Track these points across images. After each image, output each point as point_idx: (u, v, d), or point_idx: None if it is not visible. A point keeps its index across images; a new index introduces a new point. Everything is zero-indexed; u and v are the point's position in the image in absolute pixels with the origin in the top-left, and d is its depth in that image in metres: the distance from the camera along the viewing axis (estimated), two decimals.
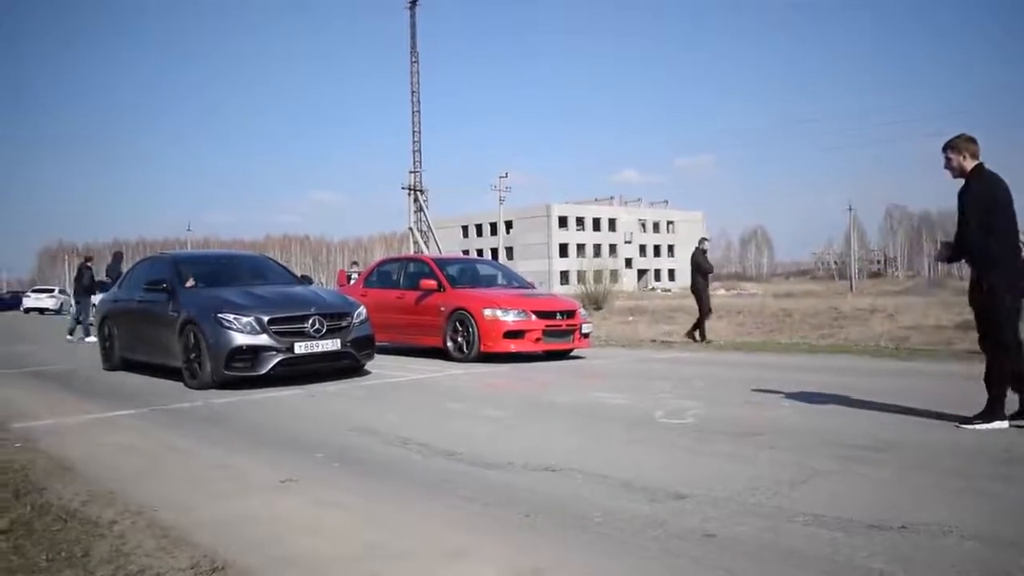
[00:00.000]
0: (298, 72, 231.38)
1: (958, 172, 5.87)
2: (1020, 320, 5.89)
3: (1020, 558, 3.03)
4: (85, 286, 18.70)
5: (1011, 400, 5.84)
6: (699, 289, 15.08)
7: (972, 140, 5.86)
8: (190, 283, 9.66)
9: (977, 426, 5.71)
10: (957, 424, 5.83)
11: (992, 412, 5.74)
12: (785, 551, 3.16)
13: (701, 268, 15.03)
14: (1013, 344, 5.76)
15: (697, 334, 14.88)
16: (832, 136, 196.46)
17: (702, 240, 15.97)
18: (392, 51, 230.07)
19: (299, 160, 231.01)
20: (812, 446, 5.18)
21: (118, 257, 19.36)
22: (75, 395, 8.71)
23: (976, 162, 5.82)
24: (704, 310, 14.95)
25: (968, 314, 18.60)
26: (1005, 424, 5.69)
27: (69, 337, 18.21)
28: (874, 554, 3.09)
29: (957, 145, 5.86)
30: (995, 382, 5.79)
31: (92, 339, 17.99)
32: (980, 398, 5.81)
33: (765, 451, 5.08)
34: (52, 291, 50.92)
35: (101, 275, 19.82)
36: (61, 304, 44.64)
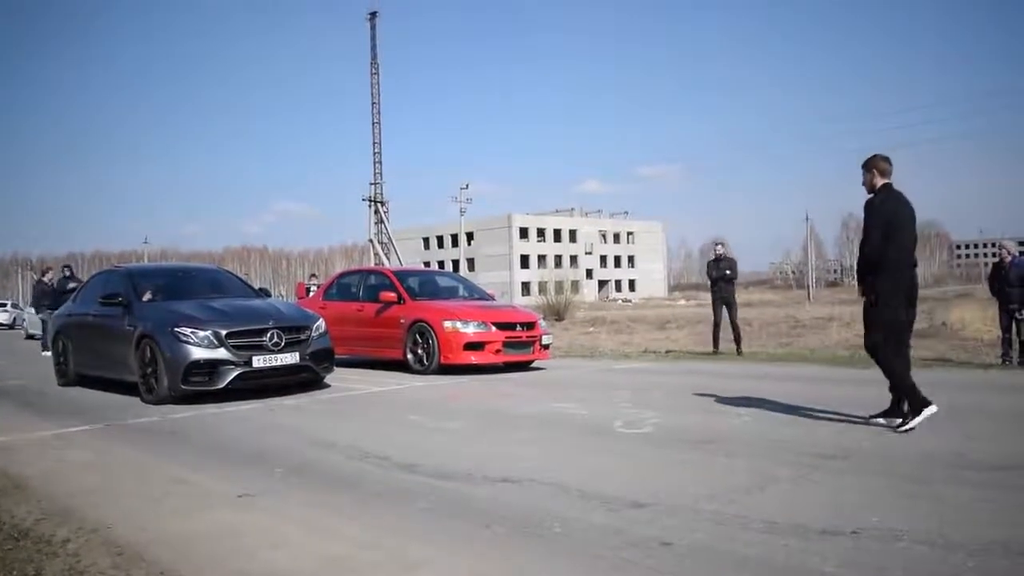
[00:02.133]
0: (259, 83, 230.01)
1: (869, 188, 6.36)
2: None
3: (968, 561, 3.10)
4: (35, 297, 18.75)
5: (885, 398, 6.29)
6: (712, 297, 14.73)
7: (885, 160, 6.38)
8: (147, 297, 9.56)
9: (908, 425, 5.97)
10: (893, 429, 6.05)
11: (914, 410, 6.02)
12: (740, 558, 3.21)
13: (709, 276, 14.94)
14: (891, 348, 6.14)
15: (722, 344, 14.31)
16: (790, 146, 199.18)
17: (714, 246, 15.29)
18: (354, 63, 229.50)
19: (259, 172, 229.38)
20: (769, 454, 5.26)
21: (66, 270, 19.18)
22: (29, 411, 8.57)
23: (885, 180, 6.28)
24: (715, 320, 14.45)
25: (922, 321, 18.91)
26: (934, 408, 5.94)
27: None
28: (826, 559, 3.14)
29: (869, 164, 6.36)
30: (899, 382, 6.14)
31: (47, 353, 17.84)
32: (937, 404, 5.92)
33: (722, 459, 5.15)
34: (4, 305, 49.87)
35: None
36: (14, 318, 43.74)
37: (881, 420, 6.26)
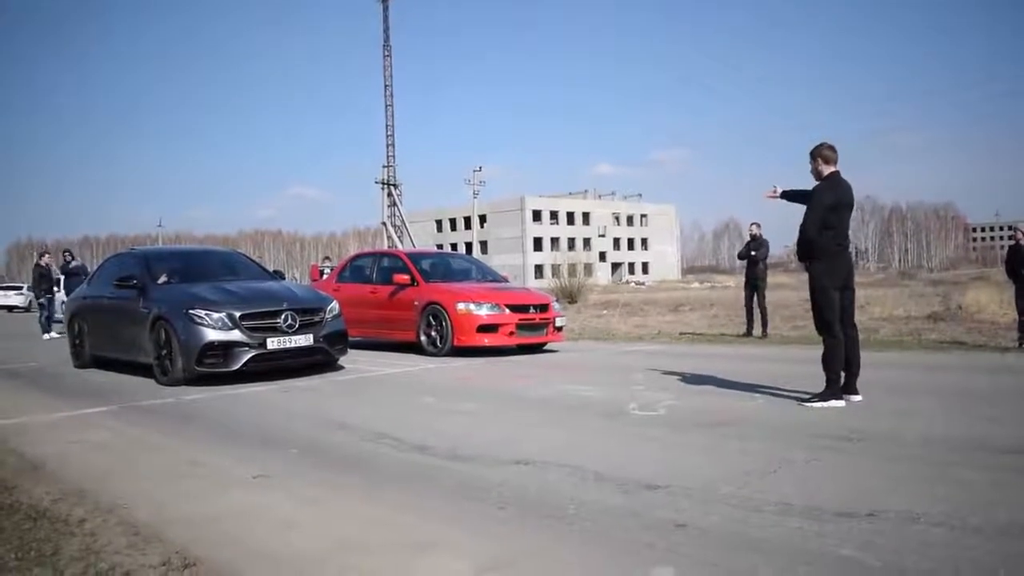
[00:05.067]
0: (272, 67, 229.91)
1: (816, 176, 6.66)
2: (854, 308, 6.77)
3: (985, 543, 3.08)
4: (34, 281, 19.20)
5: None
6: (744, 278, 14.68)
7: (831, 149, 6.63)
8: (161, 279, 9.60)
9: (815, 404, 6.35)
10: (798, 403, 6.49)
11: (828, 392, 6.42)
12: (755, 540, 3.20)
13: (739, 257, 14.89)
14: (837, 328, 6.48)
15: (756, 328, 14.23)
16: (803, 130, 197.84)
17: (750, 226, 15.07)
18: (368, 46, 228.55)
19: (273, 155, 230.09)
20: (783, 436, 5.24)
21: (67, 255, 19.32)
22: (44, 393, 8.62)
23: (831, 168, 6.59)
24: (746, 303, 14.46)
25: (937, 305, 18.81)
26: (841, 403, 6.36)
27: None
28: (842, 541, 3.13)
29: (815, 153, 6.63)
30: (829, 365, 6.45)
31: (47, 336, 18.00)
32: (952, 387, 5.91)
33: (736, 442, 5.12)
34: (20, 288, 49.97)
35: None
36: (29, 301, 43.99)
37: (856, 398, 6.55)
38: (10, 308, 45.08)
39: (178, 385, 8.54)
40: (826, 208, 6.43)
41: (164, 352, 8.78)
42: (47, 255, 20.05)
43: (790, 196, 6.94)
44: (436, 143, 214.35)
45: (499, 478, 4.36)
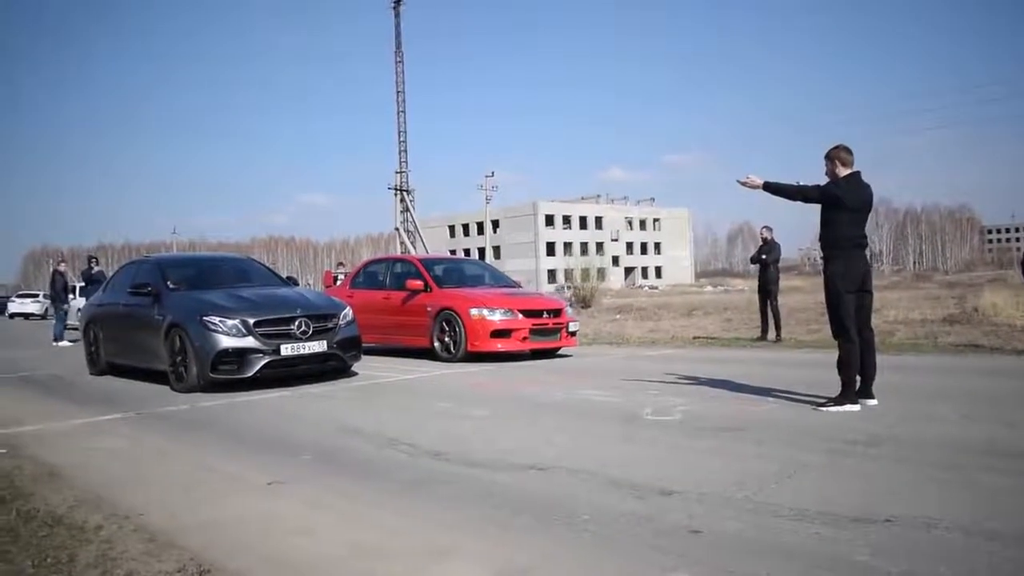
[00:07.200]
0: (285, 73, 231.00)
1: (832, 179, 6.54)
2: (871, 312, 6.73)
3: (1003, 549, 3.05)
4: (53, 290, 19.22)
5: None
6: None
7: (848, 151, 6.52)
8: (176, 286, 9.63)
9: (830, 409, 6.30)
10: (813, 407, 6.45)
11: (844, 396, 6.38)
12: (770, 545, 3.18)
13: (751, 261, 14.90)
14: (853, 332, 6.43)
15: (771, 332, 14.09)
16: (817, 132, 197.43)
17: (761, 229, 14.99)
18: (379, 52, 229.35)
19: (286, 162, 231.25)
20: (799, 441, 5.21)
21: (93, 262, 19.42)
22: (61, 400, 8.67)
23: (849, 170, 6.49)
24: (760, 307, 14.43)
25: (953, 308, 18.70)
26: (857, 407, 6.28)
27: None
28: (859, 547, 3.10)
29: (831, 155, 6.54)
30: (844, 369, 6.42)
31: (62, 344, 18.04)
32: (969, 390, 5.86)
33: (752, 446, 5.10)
34: (37, 296, 50.36)
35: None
36: (46, 309, 44.29)
37: (871, 402, 6.48)
38: (27, 315, 45.42)
39: (193, 392, 8.58)
40: (850, 209, 6.40)
41: (179, 359, 8.81)
42: (64, 263, 20.23)
43: (774, 189, 6.67)
44: (448, 149, 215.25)
45: (513, 484, 4.36)
